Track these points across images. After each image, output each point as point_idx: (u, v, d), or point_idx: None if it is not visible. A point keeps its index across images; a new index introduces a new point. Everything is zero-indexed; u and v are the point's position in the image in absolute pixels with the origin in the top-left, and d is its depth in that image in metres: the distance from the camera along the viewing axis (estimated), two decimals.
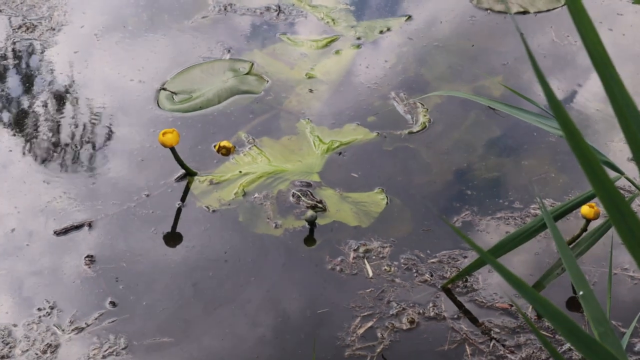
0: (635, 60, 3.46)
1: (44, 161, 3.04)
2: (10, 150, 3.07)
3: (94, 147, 3.10)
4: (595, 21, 3.63)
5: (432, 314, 2.55)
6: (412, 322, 2.52)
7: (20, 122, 3.19)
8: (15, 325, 2.51)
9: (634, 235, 1.15)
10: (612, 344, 1.57)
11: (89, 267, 2.66)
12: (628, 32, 3.58)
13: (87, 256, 2.69)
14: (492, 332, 2.50)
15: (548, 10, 3.70)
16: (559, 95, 3.32)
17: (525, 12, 3.73)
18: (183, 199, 2.89)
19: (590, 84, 3.35)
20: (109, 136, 3.14)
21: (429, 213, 2.85)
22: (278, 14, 3.74)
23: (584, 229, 2.67)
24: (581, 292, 1.66)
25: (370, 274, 2.65)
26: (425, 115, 3.21)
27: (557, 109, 1.20)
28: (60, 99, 3.30)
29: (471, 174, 3.00)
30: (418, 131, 3.16)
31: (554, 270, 2.60)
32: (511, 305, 2.54)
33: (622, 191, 2.89)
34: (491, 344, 2.48)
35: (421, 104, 3.26)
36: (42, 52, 3.51)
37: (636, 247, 1.16)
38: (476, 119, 3.21)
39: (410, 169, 3.02)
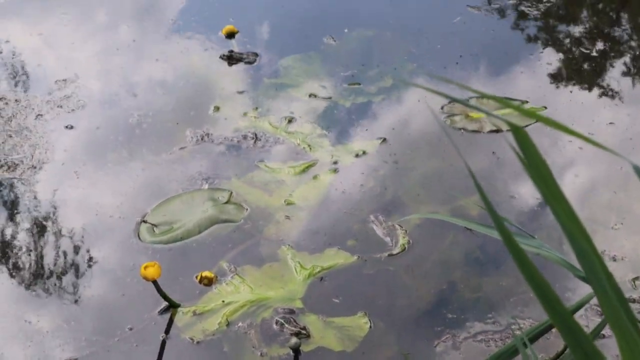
0: (614, 168, 3.51)
1: (25, 299, 3.04)
2: None
3: (75, 284, 3.11)
4: (568, 123, 3.71)
5: None
6: None
7: None
8: None
9: None
10: None
11: None
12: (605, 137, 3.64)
13: None
14: None
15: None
16: (530, 214, 3.36)
17: (498, 131, 3.80)
18: (167, 331, 2.89)
19: None
20: (90, 273, 3.15)
21: (412, 336, 2.86)
22: (255, 142, 3.79)
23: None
24: None
25: None
26: (404, 237, 3.24)
27: (504, 235, 1.21)
28: (40, 238, 3.32)
29: (451, 295, 3.01)
30: (398, 253, 3.18)
31: None
32: None
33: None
34: None
35: (400, 225, 3.29)
36: (23, 191, 3.53)
37: None
38: (454, 239, 3.24)
39: (392, 292, 3.03)
